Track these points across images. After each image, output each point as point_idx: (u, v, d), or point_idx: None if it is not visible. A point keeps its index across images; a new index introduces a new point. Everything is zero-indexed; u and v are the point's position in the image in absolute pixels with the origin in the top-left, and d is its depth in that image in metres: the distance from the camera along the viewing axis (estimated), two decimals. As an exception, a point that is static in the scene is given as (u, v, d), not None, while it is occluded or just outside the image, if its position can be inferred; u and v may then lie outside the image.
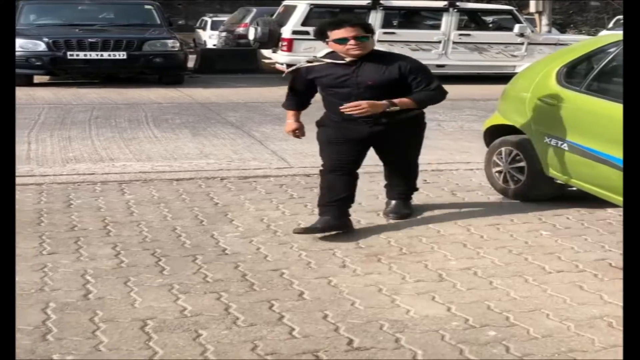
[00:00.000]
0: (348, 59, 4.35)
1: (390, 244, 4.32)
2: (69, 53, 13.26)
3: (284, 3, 15.74)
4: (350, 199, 4.51)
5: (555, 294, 3.57)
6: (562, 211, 4.99)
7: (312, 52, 13.88)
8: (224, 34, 20.37)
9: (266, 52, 15.55)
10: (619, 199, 4.39)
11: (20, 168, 6.11)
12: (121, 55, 13.40)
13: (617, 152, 4.20)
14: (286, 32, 14.22)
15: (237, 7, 23.98)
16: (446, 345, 3.02)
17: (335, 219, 4.41)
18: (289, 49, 14.10)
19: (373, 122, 4.41)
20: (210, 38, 24.06)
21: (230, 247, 4.26)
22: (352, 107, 4.28)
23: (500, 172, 5.45)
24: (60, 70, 13.61)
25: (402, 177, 4.87)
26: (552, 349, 2.99)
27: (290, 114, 4.75)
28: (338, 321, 3.23)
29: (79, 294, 3.52)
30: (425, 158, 5.46)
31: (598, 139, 4.61)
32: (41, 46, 13.25)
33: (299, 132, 4.75)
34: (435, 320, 3.26)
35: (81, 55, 13.36)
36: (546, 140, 5.03)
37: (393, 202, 4.88)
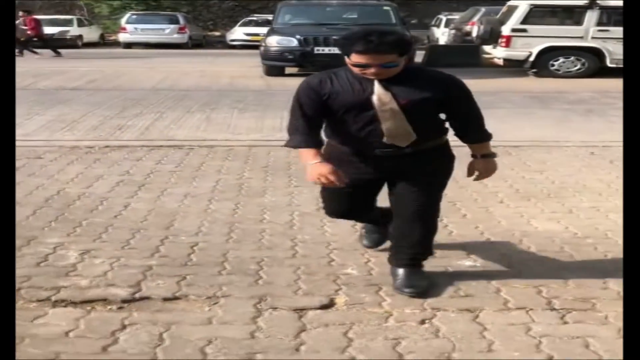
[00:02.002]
0: None
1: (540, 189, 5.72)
2: (315, 48, 15.46)
3: (508, 3, 16.96)
4: (376, 221, 4.03)
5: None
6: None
7: (528, 48, 15.22)
8: (453, 31, 21.94)
9: (487, 48, 16.89)
10: None
11: (271, 135, 8.12)
12: (359, 50, 15.38)
13: None
14: (506, 29, 15.50)
15: (476, 4, 25.37)
16: (554, 245, 4.43)
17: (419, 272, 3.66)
18: (507, 44, 15.40)
19: (395, 153, 3.41)
20: (443, 35, 25.66)
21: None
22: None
23: (653, 145, 6.60)
24: (308, 63, 15.84)
25: (420, 229, 3.56)
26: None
27: (310, 153, 3.40)
28: (485, 229, 4.75)
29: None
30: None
31: None
32: (294, 42, 15.58)
33: (338, 176, 3.38)
34: (553, 232, 4.67)
35: (326, 50, 15.51)
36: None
37: (401, 271, 3.63)
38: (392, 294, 3.52)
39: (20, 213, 4.94)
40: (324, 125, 3.51)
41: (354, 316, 3.29)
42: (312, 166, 3.39)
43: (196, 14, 34.51)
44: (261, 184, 5.83)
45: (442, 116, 3.55)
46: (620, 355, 2.75)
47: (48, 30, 27.91)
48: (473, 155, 3.60)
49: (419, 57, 18.10)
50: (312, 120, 3.42)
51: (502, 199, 5.42)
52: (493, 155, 3.62)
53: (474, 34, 16.71)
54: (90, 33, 30.43)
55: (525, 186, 5.84)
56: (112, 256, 4.10)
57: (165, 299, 3.50)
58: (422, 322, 3.27)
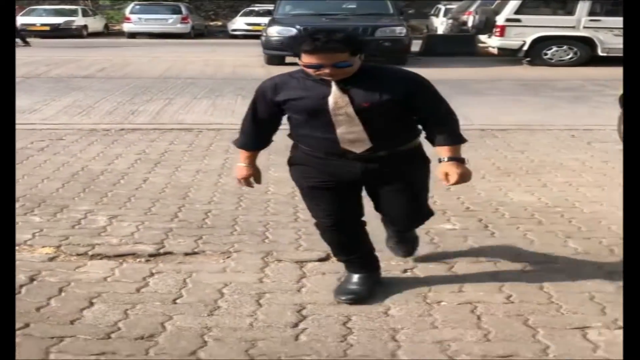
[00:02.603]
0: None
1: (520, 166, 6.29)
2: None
3: (503, -7, 17.51)
4: (369, 251, 3.63)
5: (619, 194, 5.41)
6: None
7: (522, 37, 15.77)
8: (450, 21, 22.48)
9: (482, 37, 17.44)
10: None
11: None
12: (345, 40, 15.91)
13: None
14: (500, 19, 16.04)
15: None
16: (526, 213, 5.00)
17: (372, 271, 3.62)
18: (501, 34, 15.95)
19: (368, 157, 3.27)
20: (442, 25, 26.14)
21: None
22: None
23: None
24: (307, 52, 16.39)
25: (412, 224, 3.72)
26: (593, 220, 4.88)
27: (243, 155, 3.52)
28: (465, 200, 5.32)
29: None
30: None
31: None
32: (293, 32, 16.10)
33: (254, 179, 3.57)
34: (527, 202, 5.24)
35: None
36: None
37: (393, 237, 3.91)
38: (380, 250, 4.08)
39: (51, 186, 5.53)
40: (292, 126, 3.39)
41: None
42: (237, 167, 3.57)
43: (198, 4, 35.00)
44: (265, 162, 6.37)
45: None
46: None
47: (54, 20, 28.49)
48: (439, 159, 3.31)
49: (417, 46, 18.66)
50: (261, 124, 3.41)
51: (484, 175, 5.99)
52: (463, 160, 3.32)
53: (470, 23, 17.28)
54: (95, 23, 30.96)
55: (507, 164, 6.42)
56: (137, 220, 4.69)
57: (186, 254, 4.09)
58: (405, 271, 3.86)
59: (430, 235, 4.41)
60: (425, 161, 3.46)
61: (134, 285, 3.63)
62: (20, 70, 13.50)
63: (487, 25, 16.41)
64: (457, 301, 3.46)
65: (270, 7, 23.06)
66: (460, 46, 18.03)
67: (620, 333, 3.08)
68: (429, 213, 3.70)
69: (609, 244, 4.30)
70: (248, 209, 4.98)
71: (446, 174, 3.30)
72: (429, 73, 13.11)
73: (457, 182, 3.32)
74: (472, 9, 20.34)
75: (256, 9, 30.47)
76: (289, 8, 17.65)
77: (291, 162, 3.49)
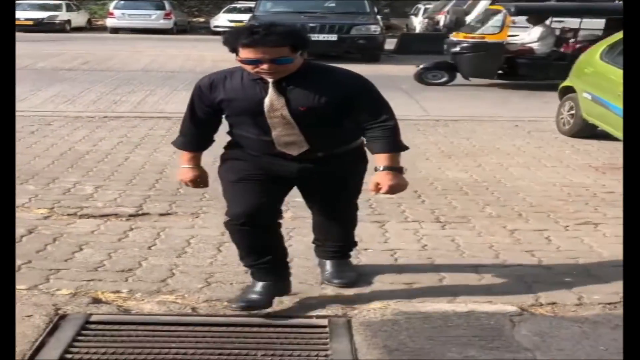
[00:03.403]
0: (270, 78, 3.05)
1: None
2: (293, 35, 16.77)
3: (474, -5, 18.36)
4: (280, 257, 3.40)
5: (542, 172, 6.20)
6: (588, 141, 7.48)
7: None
8: (425, 20, 23.30)
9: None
10: (618, 134, 6.81)
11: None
12: (333, 37, 16.71)
13: (618, 103, 6.63)
14: (468, 19, 16.86)
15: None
16: (456, 187, 5.77)
17: (277, 280, 3.36)
18: (470, 33, 16.75)
19: (305, 157, 3.18)
20: (420, 24, 26.97)
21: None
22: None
23: (562, 118, 7.99)
24: (285, 48, 17.14)
25: (339, 228, 3.66)
26: (512, 193, 5.67)
27: (185, 157, 3.40)
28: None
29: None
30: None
31: (607, 92, 7.05)
32: (272, 29, 16.83)
33: (200, 181, 3.45)
34: (459, 178, 6.02)
35: (302, 36, 16.80)
36: (584, 94, 7.53)
37: (329, 262, 3.71)
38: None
39: (42, 163, 6.25)
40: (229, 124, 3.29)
41: (296, 224, 4.62)
42: (180, 170, 3.44)
43: (182, 1, 35.60)
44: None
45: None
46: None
47: (38, 14, 29.02)
48: (375, 168, 3.18)
49: (392, 44, 19.46)
50: (200, 124, 3.29)
51: (428, 157, 6.77)
52: (400, 169, 3.20)
53: (441, 23, 18.09)
54: (78, 18, 31.46)
55: (451, 148, 7.20)
56: (119, 189, 5.44)
57: (161, 214, 4.85)
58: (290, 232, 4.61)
59: (370, 202, 5.17)
60: (363, 161, 3.39)
61: (116, 236, 4.38)
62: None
63: (457, 24, 17.19)
64: (380, 249, 4.24)
65: (252, 4, 23.77)
66: (432, 44, 18.72)
67: (506, 272, 3.87)
68: (356, 213, 3.70)
69: (520, 210, 5.09)
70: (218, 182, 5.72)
71: (377, 184, 3.18)
72: (400, 69, 14.14)
73: (387, 193, 3.21)
74: (446, 9, 21.21)
75: (239, 6, 31.12)
76: (270, 5, 18.34)
77: (223, 158, 3.35)
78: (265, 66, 2.96)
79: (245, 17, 22.09)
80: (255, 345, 3.00)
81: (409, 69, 13.89)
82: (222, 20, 30.37)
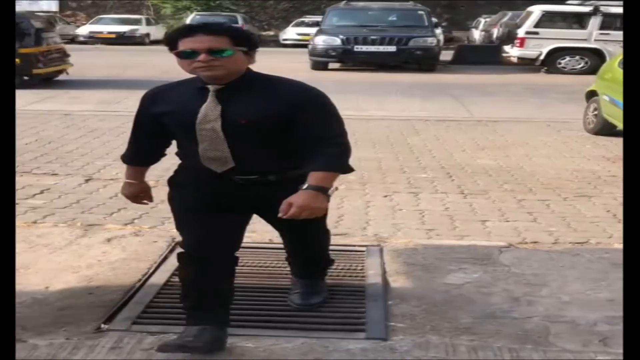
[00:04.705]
0: (210, 85, 2.80)
1: (495, 145, 8.26)
2: (355, 47, 18.12)
3: (527, 9, 19.42)
4: (227, 301, 3.09)
5: (560, 161, 7.33)
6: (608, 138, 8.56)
7: (539, 48, 17.64)
8: (483, 32, 24.40)
9: (506, 48, 19.36)
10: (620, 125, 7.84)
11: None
12: (392, 49, 17.99)
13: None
14: (521, 32, 17.98)
15: (515, 9, 27.69)
16: (483, 171, 6.95)
17: (213, 331, 2.96)
18: (521, 45, 17.92)
19: (256, 182, 2.91)
20: (479, 36, 28.06)
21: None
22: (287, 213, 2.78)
23: (587, 118, 9.11)
24: (348, 59, 18.53)
25: (308, 251, 3.46)
26: (529, 175, 6.82)
27: (127, 171, 3.24)
28: (444, 164, 7.31)
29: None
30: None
31: (621, 95, 8.14)
32: (337, 41, 18.23)
33: (143, 196, 3.31)
34: (488, 165, 7.20)
35: (364, 48, 18.14)
36: (604, 97, 8.64)
37: (299, 282, 3.54)
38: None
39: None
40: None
41: (348, 184, 5.88)
42: (123, 185, 3.28)
43: (253, 15, 37.35)
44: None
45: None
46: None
47: (120, 28, 31.03)
48: (298, 187, 2.79)
49: (449, 55, 20.65)
50: (143, 137, 3.05)
51: (465, 149, 7.98)
52: (325, 190, 2.79)
53: (494, 35, 19.22)
54: (157, 31, 33.44)
55: (485, 143, 8.39)
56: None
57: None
58: (342, 199, 5.89)
59: (409, 180, 6.42)
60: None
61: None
62: (101, 72, 15.86)
63: (509, 37, 18.34)
64: (412, 209, 5.49)
65: (319, 18, 25.21)
66: (486, 55, 19.97)
67: (505, 225, 5.08)
68: (326, 233, 3.45)
69: (531, 186, 6.26)
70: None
71: (289, 204, 2.76)
72: (454, 77, 15.58)
73: (294, 215, 2.76)
74: (502, 22, 22.28)
75: (306, 20, 32.61)
76: (336, 19, 19.73)
77: (172, 183, 3.09)
78: (201, 57, 2.69)
79: (312, 30, 23.45)
80: (313, 260, 4.27)
81: (462, 78, 15.08)
82: (291, 33, 31.89)
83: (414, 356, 3.03)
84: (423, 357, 3.02)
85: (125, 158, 3.25)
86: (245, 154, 2.84)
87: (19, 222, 4.97)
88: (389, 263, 4.20)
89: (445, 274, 4.00)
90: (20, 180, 6.21)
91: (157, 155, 3.20)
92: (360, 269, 4.10)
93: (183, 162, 3.07)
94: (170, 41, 2.82)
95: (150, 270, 4.03)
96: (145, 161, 3.24)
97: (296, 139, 2.85)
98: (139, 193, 3.30)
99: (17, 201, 5.54)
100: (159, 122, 2.94)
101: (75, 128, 9.07)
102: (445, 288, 3.81)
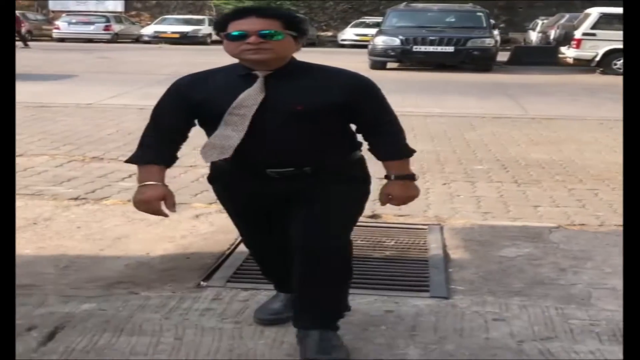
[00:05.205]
0: (258, 71, 2.69)
1: (549, 141, 8.65)
2: (414, 47, 18.58)
3: (585, 11, 19.65)
4: None
5: (610, 156, 7.70)
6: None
7: (595, 49, 17.85)
8: (540, 34, 24.61)
9: (563, 49, 19.60)
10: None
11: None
12: (450, 49, 18.41)
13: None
14: (578, 33, 18.23)
15: (572, 11, 27.79)
16: (536, 163, 7.37)
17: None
18: (578, 46, 18.18)
19: (291, 175, 2.74)
20: (536, 38, 28.23)
21: (469, 137, 8.90)
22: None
23: (640, 117, 9.43)
24: (406, 59, 19.00)
25: (327, 279, 2.83)
26: (580, 168, 7.22)
27: (148, 172, 2.80)
28: (500, 156, 7.74)
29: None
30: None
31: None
32: (396, 41, 18.71)
33: (167, 203, 2.83)
34: (541, 159, 7.62)
35: (422, 48, 18.59)
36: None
37: (313, 333, 2.86)
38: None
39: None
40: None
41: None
42: (140, 190, 2.80)
43: (312, 15, 37.98)
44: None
45: (353, 126, 2.90)
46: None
47: (183, 28, 32.00)
48: (387, 176, 2.88)
49: (505, 56, 20.96)
50: (169, 131, 2.79)
51: (520, 144, 8.39)
52: (411, 176, 2.88)
53: (551, 37, 19.50)
54: (218, 31, 34.35)
55: (538, 138, 8.80)
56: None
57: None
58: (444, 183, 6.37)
59: (466, 171, 6.88)
60: (367, 179, 2.92)
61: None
62: (169, 70, 16.61)
63: (566, 38, 18.60)
64: (469, 196, 5.96)
65: (379, 19, 25.71)
66: (542, 56, 20.25)
67: (556, 210, 5.52)
68: (349, 253, 2.91)
69: (581, 178, 6.66)
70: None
71: (388, 195, 2.89)
72: (509, 77, 16.05)
73: (398, 205, 2.95)
74: (558, 24, 22.49)
75: (367, 21, 33.06)
76: (395, 20, 20.22)
77: (212, 179, 2.97)
78: (252, 39, 2.61)
79: (372, 31, 23.91)
80: (380, 235, 4.78)
81: (518, 78, 15.41)
82: (349, 34, 32.39)
83: (473, 311, 3.51)
84: (480, 311, 3.51)
85: (142, 157, 2.82)
86: (283, 146, 2.70)
87: (114, 200, 5.60)
88: (449, 239, 4.68)
89: (499, 249, 4.48)
90: (108, 166, 6.85)
91: (175, 156, 2.88)
92: (423, 244, 4.60)
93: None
94: (221, 24, 2.74)
95: (237, 241, 4.55)
96: (170, 159, 2.86)
97: (339, 129, 2.82)
98: (163, 197, 2.80)
99: (109, 183, 6.18)
100: (193, 111, 2.77)
101: (151, 121, 9.74)
102: (499, 260, 4.28)
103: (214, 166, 2.88)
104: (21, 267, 4.14)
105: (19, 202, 5.41)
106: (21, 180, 6.14)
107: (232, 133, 2.66)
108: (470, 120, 10.23)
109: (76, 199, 5.65)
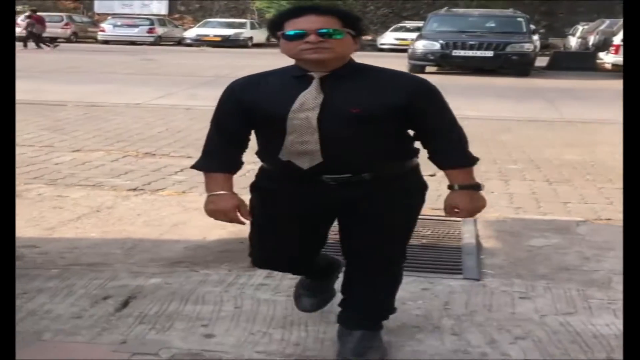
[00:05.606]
0: (314, 72, 2.60)
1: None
2: (454, 51, 18.89)
3: (624, 16, 19.76)
4: (327, 270, 3.23)
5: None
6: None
7: (634, 55, 17.98)
8: (579, 39, 24.73)
9: (601, 55, 19.76)
10: None
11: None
12: (489, 53, 18.67)
13: None
14: (617, 39, 18.38)
15: (613, 16, 27.77)
16: (568, 163, 7.66)
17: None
18: (616, 52, 18.33)
19: (349, 182, 2.64)
20: (576, 43, 28.30)
21: (505, 139, 9.21)
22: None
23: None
24: (446, 63, 19.32)
25: (377, 286, 2.88)
26: (610, 169, 7.51)
27: (215, 180, 2.77)
28: (533, 157, 8.05)
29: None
30: None
31: None
32: (436, 46, 19.03)
33: (242, 212, 2.78)
34: (573, 159, 7.91)
35: (461, 53, 18.89)
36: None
37: (355, 333, 2.90)
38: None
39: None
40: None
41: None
42: (211, 199, 2.76)
43: (352, 20, 38.33)
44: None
45: (411, 132, 2.79)
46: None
47: (225, 32, 32.58)
48: (450, 186, 2.76)
49: (544, 61, 21.16)
50: (230, 136, 2.74)
51: (554, 146, 8.69)
52: (477, 186, 2.77)
53: (590, 42, 19.66)
54: (259, 35, 34.88)
55: (571, 140, 9.10)
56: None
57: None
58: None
59: (500, 170, 7.20)
60: (423, 187, 2.86)
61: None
62: (212, 72, 17.15)
63: (605, 44, 18.77)
64: (502, 192, 6.30)
65: (420, 24, 26.00)
66: (581, 62, 20.41)
67: (585, 207, 5.83)
68: (402, 260, 2.96)
69: (612, 177, 6.94)
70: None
71: (454, 207, 2.75)
72: (547, 82, 16.34)
73: (465, 217, 2.89)
74: (598, 30, 22.62)
75: (407, 25, 33.30)
76: (436, 25, 20.56)
77: (255, 187, 2.85)
78: (311, 37, 2.52)
79: (412, 35, 24.21)
80: (418, 226, 5.12)
81: (556, 82, 15.64)
82: (389, 38, 32.69)
83: (501, 290, 3.87)
84: (508, 291, 3.86)
85: (206, 166, 2.80)
86: (341, 150, 2.58)
87: (170, 191, 6.05)
88: (481, 230, 5.04)
89: (528, 239, 4.82)
90: (161, 161, 7.32)
91: (240, 160, 2.83)
92: (457, 234, 4.96)
93: (265, 162, 2.80)
94: (277, 23, 2.64)
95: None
96: (234, 164, 2.81)
97: (398, 134, 2.71)
98: (237, 207, 2.77)
99: (163, 176, 6.64)
100: (247, 115, 2.68)
101: (197, 120, 10.10)
102: (528, 249, 4.63)
103: (261, 173, 2.84)
104: (89, 247, 4.62)
105: (80, 192, 5.91)
106: (80, 173, 6.65)
107: (308, 138, 2.57)
108: (506, 123, 10.53)
109: (134, 189, 6.11)
